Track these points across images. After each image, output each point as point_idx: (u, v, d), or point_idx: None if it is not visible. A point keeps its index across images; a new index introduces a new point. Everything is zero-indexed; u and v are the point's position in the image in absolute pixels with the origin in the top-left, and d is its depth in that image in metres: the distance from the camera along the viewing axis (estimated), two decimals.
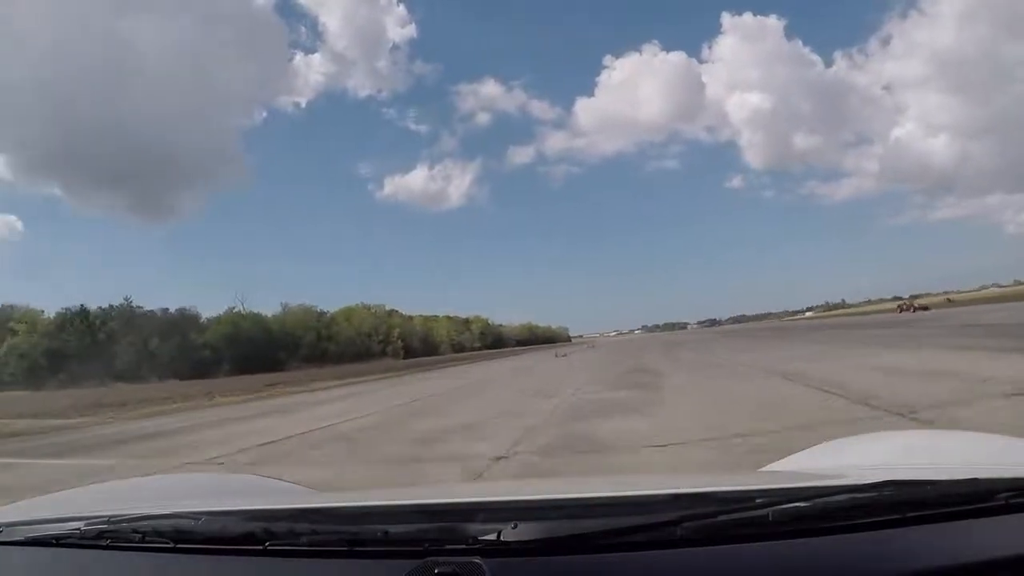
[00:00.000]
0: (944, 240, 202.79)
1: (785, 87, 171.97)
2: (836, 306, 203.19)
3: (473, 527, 0.91)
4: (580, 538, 0.88)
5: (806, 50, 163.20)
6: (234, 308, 78.02)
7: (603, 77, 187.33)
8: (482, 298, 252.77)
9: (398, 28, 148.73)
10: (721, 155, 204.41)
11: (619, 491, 1.25)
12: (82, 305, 66.23)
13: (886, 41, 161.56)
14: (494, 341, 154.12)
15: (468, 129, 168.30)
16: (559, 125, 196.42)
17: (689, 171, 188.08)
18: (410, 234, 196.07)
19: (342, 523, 1.04)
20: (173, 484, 2.05)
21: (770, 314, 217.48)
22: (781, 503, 0.90)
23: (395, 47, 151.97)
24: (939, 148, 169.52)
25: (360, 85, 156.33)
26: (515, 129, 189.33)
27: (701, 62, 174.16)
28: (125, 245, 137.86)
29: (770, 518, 0.88)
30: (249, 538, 0.98)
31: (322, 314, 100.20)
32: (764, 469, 1.68)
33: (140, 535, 1.03)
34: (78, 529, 1.07)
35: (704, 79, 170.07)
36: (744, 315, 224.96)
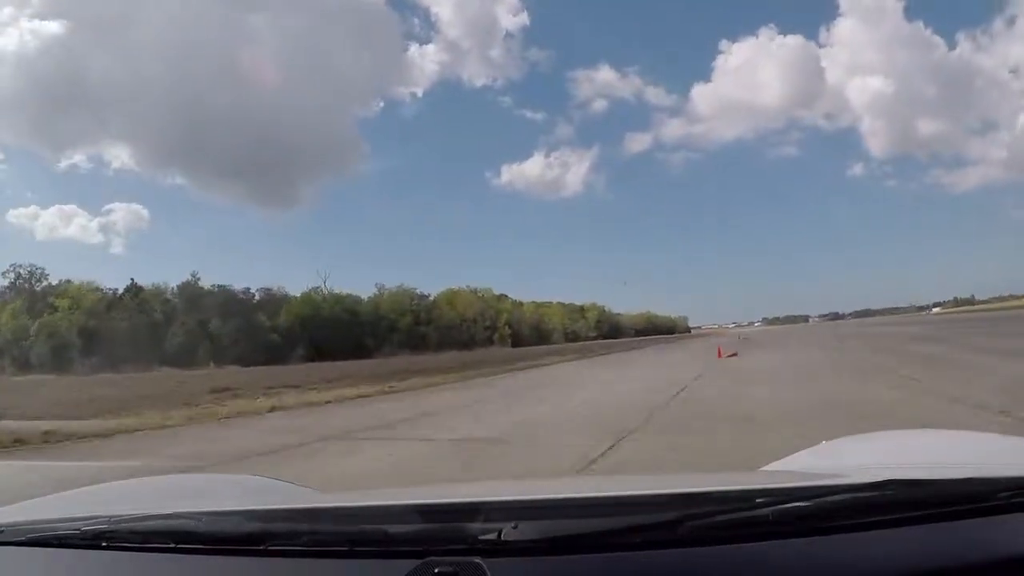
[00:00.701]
0: None
1: (906, 71, 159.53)
2: (965, 301, 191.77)
3: (473, 527, 0.91)
4: (580, 538, 0.89)
5: (927, 32, 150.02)
6: (317, 288, 70.98)
7: (719, 62, 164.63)
8: (598, 287, 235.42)
9: (510, 16, 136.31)
10: (841, 142, 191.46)
11: (620, 491, 1.26)
12: (132, 279, 61.44)
13: (1011, 21, 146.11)
14: (611, 330, 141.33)
15: (584, 116, 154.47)
16: (676, 111, 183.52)
17: (809, 158, 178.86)
18: (525, 222, 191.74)
19: (342, 523, 1.04)
20: (173, 485, 2.01)
21: (896, 309, 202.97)
22: (781, 503, 0.90)
23: (508, 35, 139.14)
24: None
25: (475, 74, 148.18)
26: (631, 115, 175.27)
27: (820, 45, 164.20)
28: (244, 233, 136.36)
29: (770, 518, 0.88)
30: (249, 538, 0.98)
31: (423, 297, 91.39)
32: (764, 469, 1.65)
33: (140, 536, 1.03)
34: (79, 530, 1.06)
35: (823, 63, 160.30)
36: (869, 309, 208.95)
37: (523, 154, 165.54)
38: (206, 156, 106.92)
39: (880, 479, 0.94)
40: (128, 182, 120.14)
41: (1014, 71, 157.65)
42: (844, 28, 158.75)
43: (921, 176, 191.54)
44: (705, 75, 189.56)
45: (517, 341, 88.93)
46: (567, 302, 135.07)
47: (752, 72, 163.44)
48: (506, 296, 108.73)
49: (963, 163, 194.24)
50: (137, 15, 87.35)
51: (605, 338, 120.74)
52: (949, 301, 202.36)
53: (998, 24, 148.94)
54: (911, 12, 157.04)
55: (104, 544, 1.04)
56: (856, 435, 1.91)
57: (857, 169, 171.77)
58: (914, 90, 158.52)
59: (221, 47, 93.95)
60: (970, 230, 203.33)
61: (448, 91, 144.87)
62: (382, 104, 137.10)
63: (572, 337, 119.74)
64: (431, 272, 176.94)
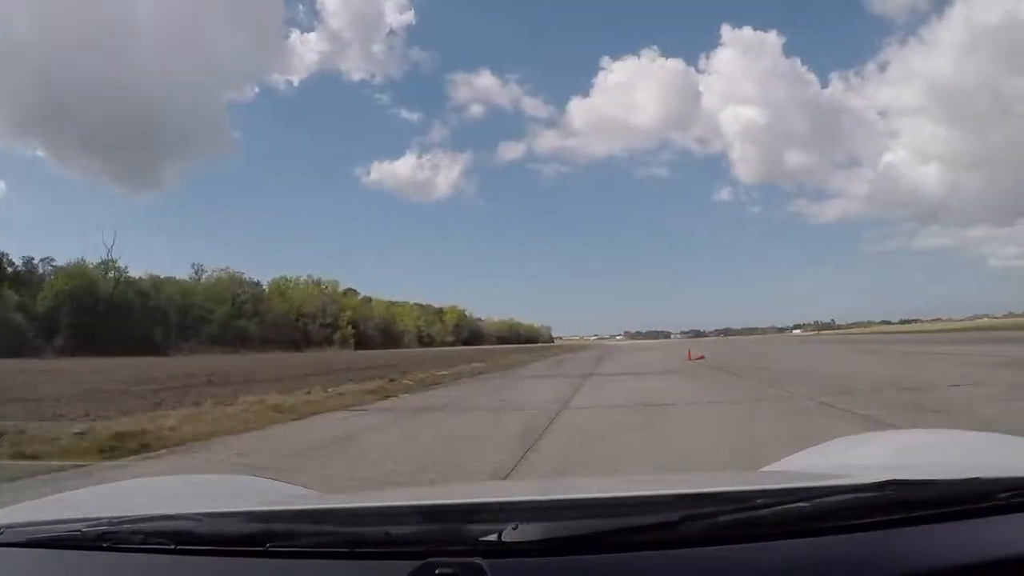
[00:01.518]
0: (928, 268, 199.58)
1: (780, 104, 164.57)
2: (826, 325, 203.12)
3: (474, 528, 0.91)
4: (581, 539, 0.88)
5: (803, 69, 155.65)
6: (106, 262, 55.81)
7: (599, 78, 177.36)
8: (461, 292, 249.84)
9: (396, 13, 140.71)
10: (711, 166, 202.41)
11: (620, 491, 1.25)
12: None
13: (884, 67, 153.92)
14: (470, 336, 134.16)
15: (460, 120, 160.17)
16: (552, 123, 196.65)
17: (679, 180, 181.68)
18: (392, 221, 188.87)
19: (343, 524, 1.03)
20: (173, 485, 2.01)
21: (756, 329, 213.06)
22: (782, 503, 0.91)
23: (392, 32, 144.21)
24: (929, 177, 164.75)
25: (354, 68, 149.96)
26: (507, 123, 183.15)
27: (699, 72, 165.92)
28: (100, 210, 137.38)
29: (771, 518, 0.89)
30: (250, 539, 0.97)
31: (253, 285, 78.70)
32: (765, 469, 1.66)
33: (141, 536, 1.03)
34: (79, 531, 1.06)
35: (700, 88, 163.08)
36: (729, 328, 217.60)
37: (395, 153, 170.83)
38: (67, 128, 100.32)
39: (880, 479, 0.94)
40: None
41: (882, 113, 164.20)
42: (724, 57, 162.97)
43: (786, 205, 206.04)
44: (584, 90, 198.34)
45: (363, 342, 79.00)
46: (426, 304, 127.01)
47: (631, 91, 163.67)
48: (355, 291, 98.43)
49: (826, 196, 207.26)
50: None
51: (465, 343, 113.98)
52: (810, 324, 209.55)
53: (871, 67, 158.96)
54: (789, 49, 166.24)
55: (105, 545, 1.03)
56: (856, 435, 1.93)
57: (724, 193, 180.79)
58: (785, 123, 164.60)
59: (87, 9, 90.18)
60: (830, 258, 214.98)
61: (326, 83, 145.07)
62: (256, 89, 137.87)
63: (427, 341, 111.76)
64: (288, 264, 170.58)
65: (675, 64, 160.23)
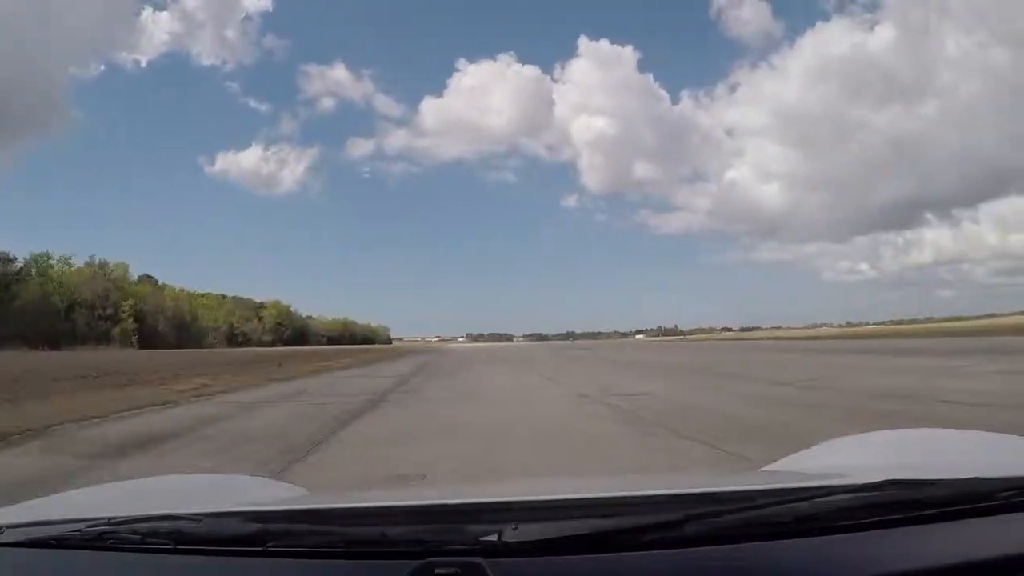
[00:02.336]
0: (767, 280, 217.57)
1: (631, 117, 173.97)
2: (669, 331, 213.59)
3: (474, 527, 0.91)
4: (581, 538, 0.88)
5: (656, 85, 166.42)
6: None
7: (454, 79, 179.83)
8: (301, 290, 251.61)
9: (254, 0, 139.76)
10: (560, 174, 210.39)
11: (620, 491, 1.25)
12: None
13: (733, 88, 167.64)
14: (294, 335, 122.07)
15: (310, 114, 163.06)
16: (403, 122, 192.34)
17: (527, 185, 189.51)
18: (234, 215, 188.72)
19: (342, 524, 1.03)
20: (173, 485, 2.00)
21: (600, 333, 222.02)
22: (782, 503, 0.91)
23: (248, 17, 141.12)
24: (769, 195, 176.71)
25: (206, 52, 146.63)
26: (358, 120, 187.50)
27: (554, 80, 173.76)
28: None
29: (771, 518, 0.89)
30: (249, 539, 0.97)
31: (7, 261, 63.27)
32: (765, 469, 1.68)
33: (140, 536, 1.03)
34: (78, 530, 1.06)
35: (554, 97, 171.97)
36: (572, 332, 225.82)
37: (242, 144, 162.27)
38: None
39: (881, 479, 0.95)
40: None
41: (728, 132, 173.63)
42: (580, 68, 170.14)
43: (631, 215, 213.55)
44: (438, 90, 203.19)
45: (151, 340, 66.33)
46: (244, 297, 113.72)
47: (485, 95, 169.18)
48: (151, 279, 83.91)
49: (671, 208, 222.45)
50: None
51: (287, 343, 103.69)
52: (654, 329, 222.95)
53: (721, 88, 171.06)
54: (644, 64, 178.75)
55: (105, 545, 1.03)
56: (856, 435, 1.90)
57: (572, 200, 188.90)
58: (635, 135, 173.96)
59: None
60: (673, 268, 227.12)
61: (175, 65, 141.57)
62: (102, 67, 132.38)
63: (241, 340, 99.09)
64: (127, 251, 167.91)
65: (531, 71, 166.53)
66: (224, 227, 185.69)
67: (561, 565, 0.87)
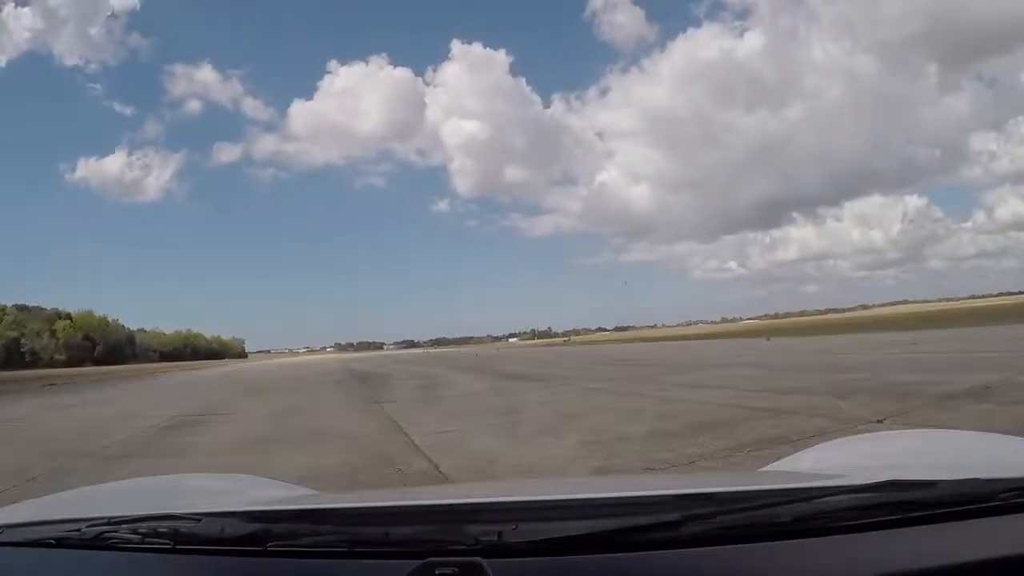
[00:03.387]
0: (639, 280, 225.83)
1: (502, 120, 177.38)
2: (543, 333, 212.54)
3: (474, 528, 0.92)
4: (581, 539, 0.89)
5: (528, 88, 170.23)
6: None
7: (324, 81, 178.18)
8: (152, 302, 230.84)
9: None
10: (431, 178, 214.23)
11: (620, 492, 1.26)
12: None
13: (604, 92, 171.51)
14: (107, 352, 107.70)
15: (176, 117, 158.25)
16: (272, 126, 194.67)
17: (397, 190, 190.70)
18: (94, 224, 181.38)
19: (343, 524, 1.03)
20: (173, 485, 1.99)
21: (472, 338, 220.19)
22: (782, 504, 0.91)
23: (113, 15, 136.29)
24: (639, 196, 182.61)
25: (68, 52, 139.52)
26: (225, 123, 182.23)
27: (426, 83, 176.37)
28: None
29: (771, 519, 0.89)
30: (249, 539, 0.98)
31: None
32: (765, 469, 1.69)
33: (140, 536, 1.03)
34: (78, 530, 1.06)
35: (426, 100, 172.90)
36: (444, 337, 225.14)
37: (105, 149, 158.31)
38: None
39: (880, 480, 0.95)
40: None
41: (599, 134, 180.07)
42: (452, 71, 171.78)
43: (502, 218, 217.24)
44: (308, 93, 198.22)
45: None
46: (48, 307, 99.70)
47: (356, 97, 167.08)
48: None
49: (541, 211, 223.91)
50: None
51: (99, 362, 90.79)
52: (527, 332, 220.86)
53: (592, 92, 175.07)
54: (516, 68, 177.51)
55: (105, 545, 1.03)
56: (856, 435, 1.91)
57: (443, 205, 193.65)
58: (506, 138, 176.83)
59: None
60: (544, 270, 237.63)
61: (36, 65, 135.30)
62: None
63: (29, 360, 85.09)
64: None
65: (403, 73, 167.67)
66: (81, 238, 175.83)
67: (560, 565, 0.86)
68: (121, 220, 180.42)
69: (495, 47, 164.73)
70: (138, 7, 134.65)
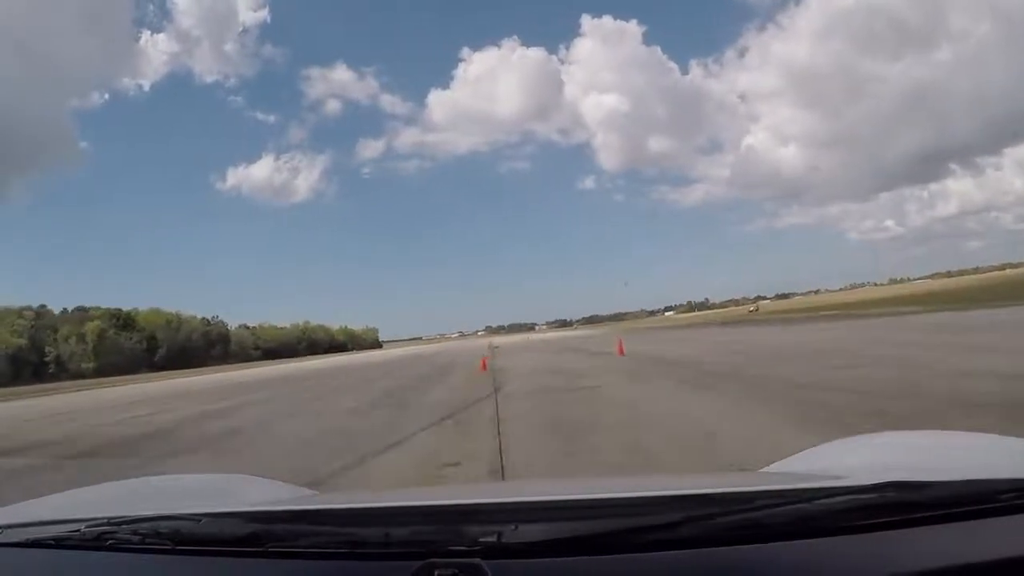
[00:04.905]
0: (793, 245, 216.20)
1: (641, 91, 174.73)
2: (700, 305, 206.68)
3: (474, 529, 0.92)
4: (581, 540, 0.89)
5: (664, 56, 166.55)
6: None
7: (459, 70, 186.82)
8: (320, 300, 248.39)
9: (250, 11, 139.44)
10: (575, 156, 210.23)
11: (620, 492, 1.25)
12: None
13: (742, 53, 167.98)
14: (176, 353, 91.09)
15: (317, 119, 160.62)
16: (412, 118, 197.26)
17: (542, 171, 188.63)
18: (252, 229, 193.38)
19: (343, 524, 1.03)
20: (173, 485, 2.00)
21: (627, 314, 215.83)
22: (782, 504, 0.91)
23: (245, 31, 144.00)
24: (788, 158, 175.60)
25: (207, 70, 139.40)
26: (366, 120, 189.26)
27: (560, 61, 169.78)
28: None
29: (771, 520, 0.89)
30: (249, 539, 0.98)
31: None
32: (765, 470, 1.67)
33: (140, 537, 1.03)
34: (78, 531, 1.06)
35: (562, 78, 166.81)
36: (596, 315, 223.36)
37: (252, 156, 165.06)
38: None
39: (881, 481, 0.94)
40: None
41: (742, 97, 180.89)
42: (585, 47, 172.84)
43: (649, 191, 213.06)
44: (444, 83, 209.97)
45: None
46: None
47: (492, 82, 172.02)
48: None
49: (689, 180, 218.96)
50: None
51: (155, 368, 75.10)
52: (683, 305, 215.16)
53: (730, 54, 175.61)
54: (649, 37, 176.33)
55: (105, 545, 1.03)
56: (856, 436, 1.89)
57: (589, 182, 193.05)
58: (647, 109, 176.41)
59: None
60: (695, 241, 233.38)
61: (178, 86, 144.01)
62: (106, 96, 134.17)
63: (53, 370, 68.73)
64: (139, 279, 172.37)
65: (536, 53, 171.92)
66: (231, 244, 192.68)
67: (560, 566, 0.86)
68: (272, 222, 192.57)
69: (626, 18, 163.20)
70: (268, 19, 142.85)
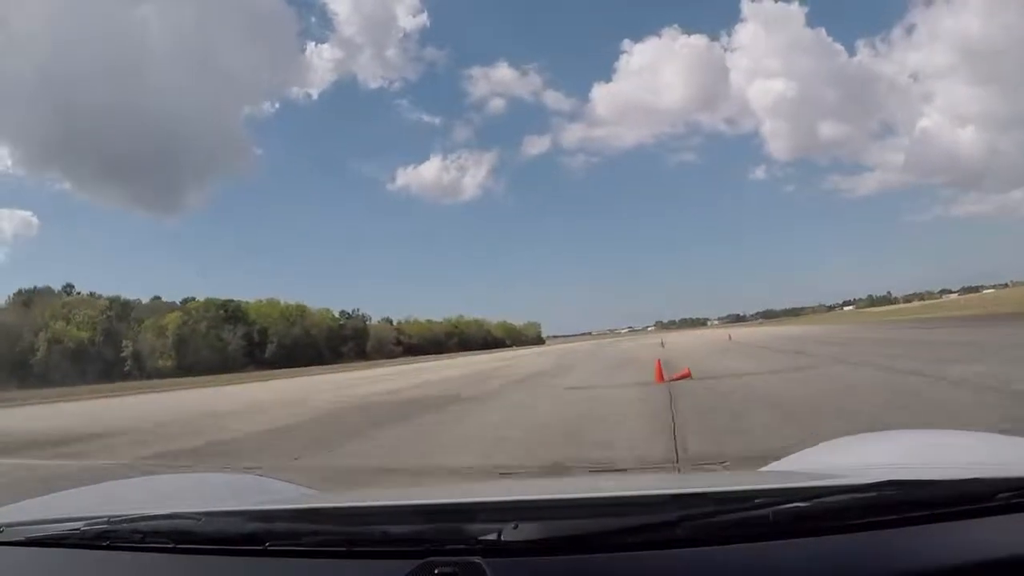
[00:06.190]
0: (975, 235, 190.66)
1: (808, 76, 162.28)
2: (881, 300, 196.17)
3: (473, 527, 0.91)
4: (580, 538, 0.89)
5: (829, 38, 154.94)
6: None
7: (621, 62, 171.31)
8: (487, 299, 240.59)
9: (409, 17, 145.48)
10: (743, 146, 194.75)
11: (620, 491, 1.26)
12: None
13: (910, 30, 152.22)
14: (293, 349, 79.36)
15: (481, 118, 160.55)
16: (576, 114, 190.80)
17: (710, 162, 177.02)
18: (417, 229, 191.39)
19: (342, 523, 1.03)
20: (173, 484, 2.00)
21: (803, 308, 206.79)
22: (781, 503, 0.91)
23: (406, 35, 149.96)
24: (967, 141, 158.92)
25: (371, 76, 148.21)
26: (531, 117, 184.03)
27: (723, 48, 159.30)
28: (130, 238, 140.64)
29: (770, 518, 0.88)
30: (249, 538, 0.98)
31: None
32: (764, 469, 1.67)
33: (140, 536, 1.03)
34: (78, 530, 1.06)
35: (727, 64, 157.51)
36: (771, 310, 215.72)
37: (420, 157, 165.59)
38: (89, 157, 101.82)
39: (880, 479, 0.94)
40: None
41: (913, 77, 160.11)
42: (747, 32, 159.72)
43: (821, 181, 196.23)
44: (606, 76, 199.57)
45: None
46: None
47: (655, 73, 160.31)
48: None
49: (861, 168, 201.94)
50: (13, 5, 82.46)
51: (262, 366, 64.57)
52: (863, 299, 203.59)
53: (897, 32, 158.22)
54: (812, 19, 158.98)
55: (105, 544, 1.03)
56: (856, 435, 1.89)
57: (759, 173, 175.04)
58: (815, 94, 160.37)
59: (102, 41, 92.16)
60: (871, 232, 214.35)
61: (344, 92, 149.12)
62: (277, 105, 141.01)
63: (128, 369, 57.24)
64: (318, 281, 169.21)
65: (698, 41, 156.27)
66: (400, 243, 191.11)
67: (560, 565, 0.86)
68: (440, 220, 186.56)
69: (786, 0, 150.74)
70: (427, 23, 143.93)
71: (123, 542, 1.02)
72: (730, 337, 37.67)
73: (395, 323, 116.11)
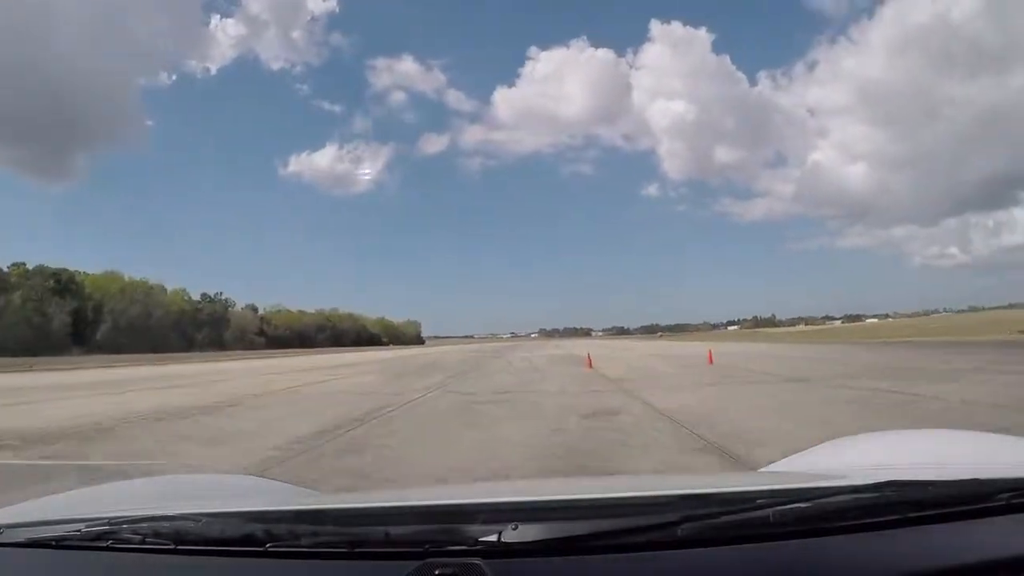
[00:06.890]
0: (857, 265, 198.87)
1: (709, 100, 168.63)
2: (766, 321, 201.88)
3: (474, 528, 0.91)
4: (581, 539, 0.89)
5: (732, 67, 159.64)
6: None
7: (527, 68, 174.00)
8: (368, 294, 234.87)
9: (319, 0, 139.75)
10: (639, 162, 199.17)
11: (620, 492, 1.26)
12: None
13: (812, 66, 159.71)
14: (118, 334, 70.11)
15: (382, 111, 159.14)
16: (476, 115, 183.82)
17: (606, 174, 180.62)
18: (305, 218, 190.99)
19: (343, 524, 1.04)
20: (173, 485, 1.99)
21: (687, 325, 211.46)
22: (782, 504, 0.91)
23: (314, 19, 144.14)
24: (855, 176, 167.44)
25: (274, 56, 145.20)
26: (431, 114, 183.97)
27: (628, 65, 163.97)
28: (15, 203, 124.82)
29: (771, 519, 0.89)
30: (250, 539, 0.98)
31: None
32: (765, 469, 1.68)
33: (141, 537, 1.03)
34: (79, 531, 1.07)
35: (630, 81, 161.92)
36: (656, 325, 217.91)
37: (316, 144, 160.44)
38: None
39: (881, 480, 0.95)
40: None
41: (811, 111, 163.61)
42: (653, 52, 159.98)
43: (713, 203, 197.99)
44: (510, 80, 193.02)
45: None
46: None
47: (559, 83, 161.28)
48: None
49: (753, 194, 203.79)
50: None
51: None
52: (748, 320, 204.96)
53: (799, 67, 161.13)
54: (719, 46, 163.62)
55: (105, 545, 1.04)
56: (857, 435, 1.89)
57: (652, 190, 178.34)
58: (714, 119, 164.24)
59: None
60: (760, 256, 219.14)
61: (245, 71, 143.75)
62: (174, 77, 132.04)
63: None
64: (194, 262, 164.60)
65: (605, 55, 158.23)
66: (281, 229, 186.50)
67: (560, 566, 0.87)
68: (329, 211, 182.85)
69: (695, 25, 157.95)
70: (336, 8, 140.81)
71: (124, 543, 1.02)
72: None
73: (260, 311, 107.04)
